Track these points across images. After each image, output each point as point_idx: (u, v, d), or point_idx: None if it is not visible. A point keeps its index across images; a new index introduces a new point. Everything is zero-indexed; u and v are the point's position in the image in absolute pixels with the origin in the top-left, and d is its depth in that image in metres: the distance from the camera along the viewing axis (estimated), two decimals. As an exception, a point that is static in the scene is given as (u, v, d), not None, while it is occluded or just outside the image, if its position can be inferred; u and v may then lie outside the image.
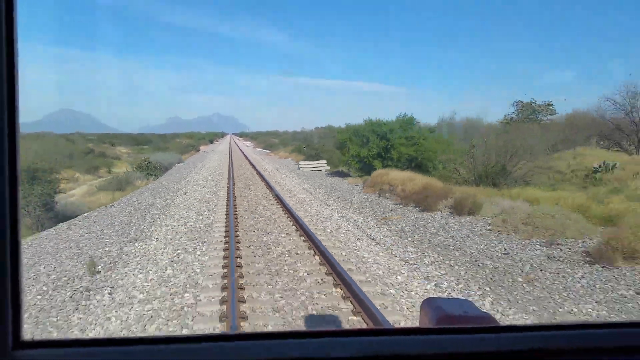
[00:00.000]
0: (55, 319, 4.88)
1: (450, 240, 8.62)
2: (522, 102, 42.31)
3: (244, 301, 4.84)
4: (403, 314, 4.80)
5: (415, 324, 4.75)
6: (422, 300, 5.07)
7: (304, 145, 32.97)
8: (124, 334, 4.37)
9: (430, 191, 12.74)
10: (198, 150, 54.78)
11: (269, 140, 65.00)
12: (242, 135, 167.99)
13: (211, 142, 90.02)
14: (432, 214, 11.21)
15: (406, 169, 18.75)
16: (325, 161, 27.73)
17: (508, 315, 5.12)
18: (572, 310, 5.38)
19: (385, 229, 9.63)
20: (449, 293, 5.66)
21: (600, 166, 16.98)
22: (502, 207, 10.94)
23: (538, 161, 17.31)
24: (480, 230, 9.42)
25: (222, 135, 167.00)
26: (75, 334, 4.53)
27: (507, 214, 10.21)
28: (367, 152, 20.79)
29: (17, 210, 0.67)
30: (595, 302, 5.60)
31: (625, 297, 5.76)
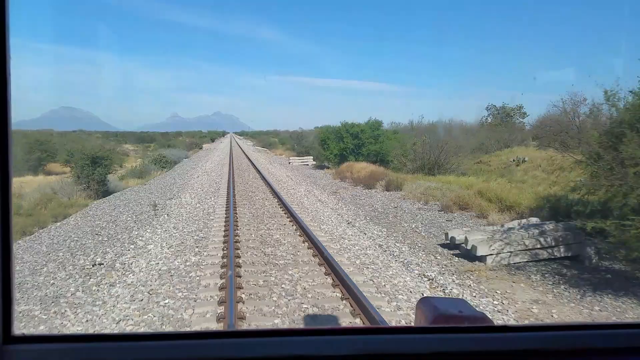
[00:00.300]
0: (145, 222, 9.98)
1: (369, 202, 13.71)
2: (495, 106, 47.16)
3: (236, 209, 10.09)
4: (310, 217, 9.99)
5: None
6: (323, 213, 10.69)
7: (295, 144, 38.28)
8: (179, 224, 9.48)
9: (374, 176, 17.90)
10: (201, 148, 59.70)
11: (267, 139, 70.52)
12: (242, 134, 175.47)
13: (212, 140, 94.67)
14: (369, 190, 16.30)
15: (374, 163, 23.81)
16: (312, 157, 32.88)
17: (369, 225, 10.19)
18: (403, 225, 10.41)
19: (331, 197, 14.75)
20: (346, 219, 10.77)
21: (514, 160, 22.11)
22: (417, 186, 16.04)
23: (467, 156, 22.43)
24: (393, 198, 14.49)
25: (223, 134, 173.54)
26: (157, 229, 9.59)
27: (416, 189, 15.33)
28: (343, 146, 26.02)
29: (8, 208, 0.67)
30: (421, 224, 10.64)
31: (439, 222, 10.82)
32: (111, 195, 15.53)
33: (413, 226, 10.21)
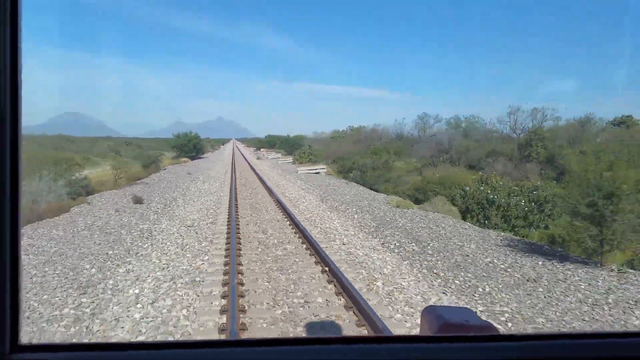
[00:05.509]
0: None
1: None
2: (426, 114, 47.54)
3: (234, 151, 28.99)
4: (246, 154, 28.26)
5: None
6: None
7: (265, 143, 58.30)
8: (227, 150, 27.02)
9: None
10: (218, 148, 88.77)
11: (254, 142, 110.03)
12: (242, 140, 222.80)
13: (223, 144, 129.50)
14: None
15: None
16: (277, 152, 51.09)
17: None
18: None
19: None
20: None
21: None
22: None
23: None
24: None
25: (228, 140, 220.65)
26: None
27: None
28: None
29: (17, 215, 0.63)
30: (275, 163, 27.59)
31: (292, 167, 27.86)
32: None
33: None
